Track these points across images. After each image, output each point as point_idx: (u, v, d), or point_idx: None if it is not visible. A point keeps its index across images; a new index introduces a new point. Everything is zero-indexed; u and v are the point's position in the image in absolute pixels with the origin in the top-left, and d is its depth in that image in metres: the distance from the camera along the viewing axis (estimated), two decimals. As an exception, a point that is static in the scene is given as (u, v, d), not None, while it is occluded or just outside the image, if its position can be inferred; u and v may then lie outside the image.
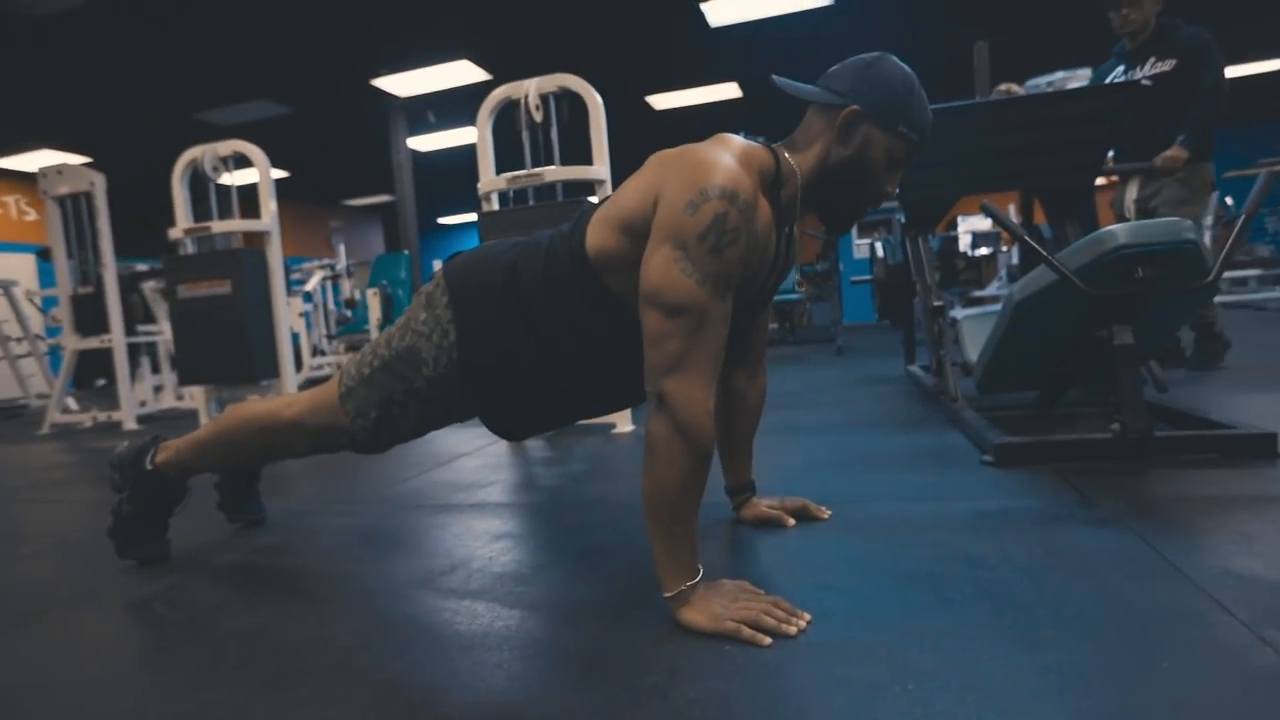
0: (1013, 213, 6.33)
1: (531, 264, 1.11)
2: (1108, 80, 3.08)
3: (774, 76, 1.13)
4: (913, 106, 1.05)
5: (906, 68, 1.07)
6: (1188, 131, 2.81)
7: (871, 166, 1.06)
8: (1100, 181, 2.64)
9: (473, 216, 14.81)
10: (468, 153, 9.28)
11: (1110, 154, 3.16)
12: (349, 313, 7.13)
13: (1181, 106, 2.84)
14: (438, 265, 8.14)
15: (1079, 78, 3.02)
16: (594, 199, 2.63)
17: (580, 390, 1.17)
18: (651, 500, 0.98)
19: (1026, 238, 1.76)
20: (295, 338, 4.35)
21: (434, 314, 1.16)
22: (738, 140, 1.06)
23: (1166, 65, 2.91)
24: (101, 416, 4.31)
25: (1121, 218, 3.08)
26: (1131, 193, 2.99)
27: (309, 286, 6.67)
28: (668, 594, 0.97)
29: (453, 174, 10.29)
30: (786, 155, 1.08)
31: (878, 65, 1.06)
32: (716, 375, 0.98)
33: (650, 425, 0.97)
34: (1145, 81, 2.95)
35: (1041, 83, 3.03)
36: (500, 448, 2.46)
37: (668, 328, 0.95)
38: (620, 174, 3.30)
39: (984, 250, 7.84)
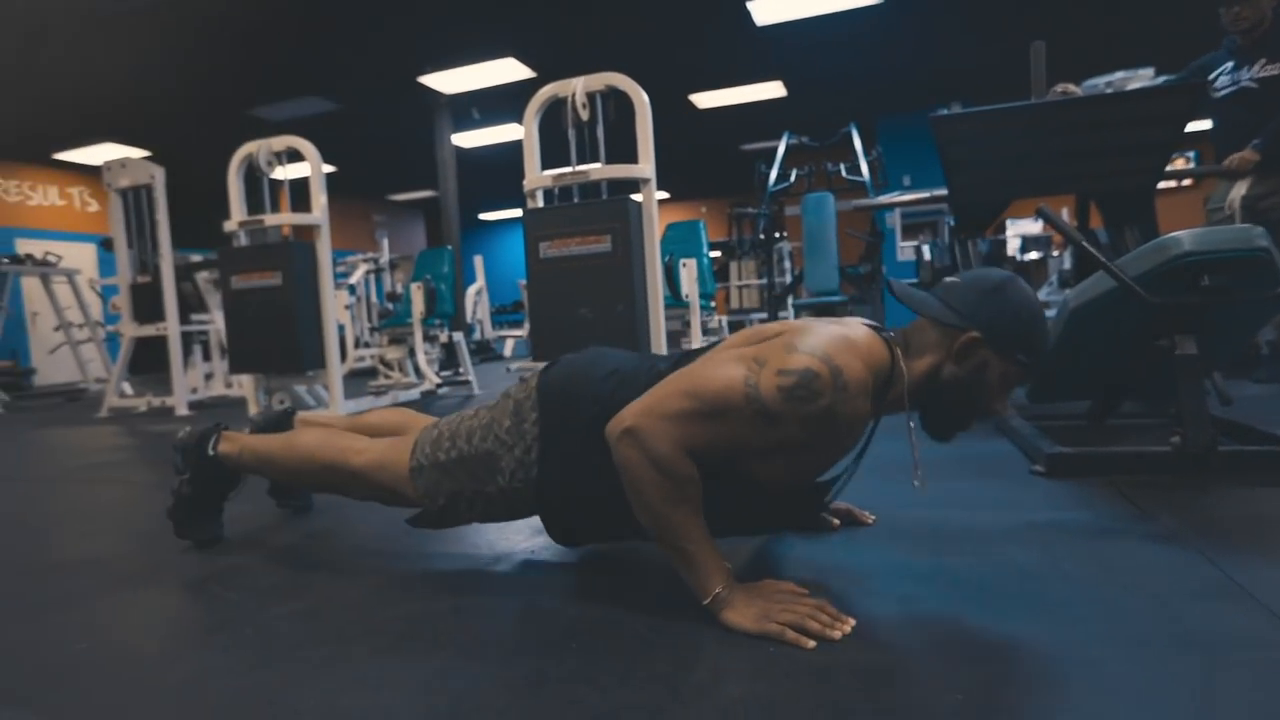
0: (1066, 217, 6.16)
1: (626, 401, 1.10)
2: (1215, 74, 2.99)
3: (890, 281, 1.12)
4: (1034, 335, 1.03)
5: (1031, 293, 1.04)
6: (1264, 134, 2.72)
7: (984, 389, 1.05)
8: (1163, 185, 2.56)
9: (515, 213, 14.97)
10: (511, 149, 9.39)
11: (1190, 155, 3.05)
12: (391, 306, 7.26)
13: None
14: (479, 261, 8.23)
15: (1140, 78, 2.92)
16: (637, 197, 2.63)
17: None
18: (650, 525, 0.99)
19: (1084, 243, 1.71)
20: (340, 330, 4.46)
21: (520, 427, 1.17)
22: (865, 330, 1.05)
23: (1275, 69, 2.81)
24: (156, 402, 4.48)
25: (1217, 212, 2.98)
26: (1240, 189, 2.88)
27: (353, 280, 6.81)
28: (704, 602, 0.98)
29: (496, 170, 10.42)
30: (899, 354, 1.06)
31: (1003, 291, 1.03)
32: (687, 449, 0.96)
33: (620, 456, 0.97)
34: (1250, 84, 2.87)
35: (1100, 83, 2.94)
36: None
37: (681, 398, 0.96)
38: (664, 172, 3.29)
39: (1033, 254, 7.65)
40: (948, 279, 1.09)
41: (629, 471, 0.97)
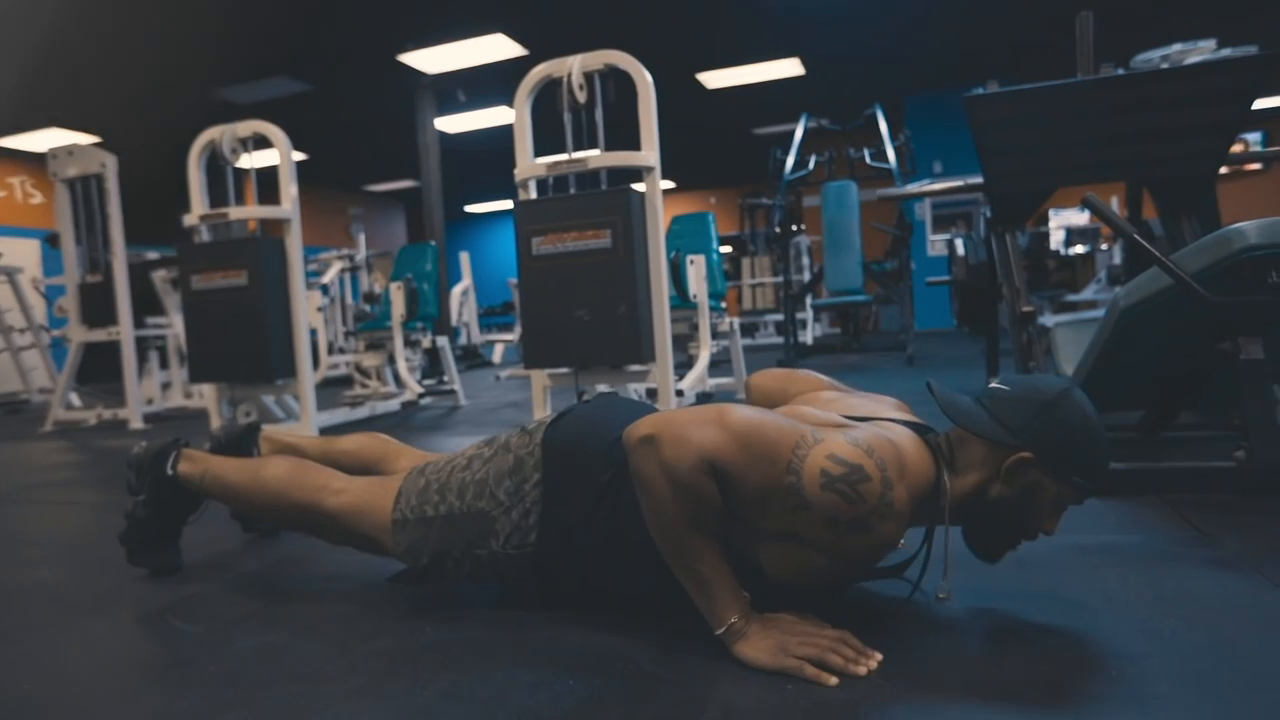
0: (1116, 206, 6.17)
1: None
2: None
3: (931, 384, 1.11)
4: (1092, 455, 1.02)
5: (1089, 406, 1.03)
6: None
7: (1034, 510, 1.04)
8: (1227, 170, 2.55)
9: (505, 205, 15.02)
10: (500, 135, 9.44)
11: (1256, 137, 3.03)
12: (369, 308, 7.29)
13: None
14: (465, 259, 8.24)
15: (1200, 51, 2.93)
16: (640, 188, 2.64)
17: (660, 593, 1.14)
18: (664, 545, 0.99)
19: (1136, 236, 1.72)
20: (312, 334, 4.48)
21: (520, 487, 1.17)
22: (913, 441, 1.05)
23: None
24: (106, 414, 4.50)
25: None
26: None
27: (326, 279, 6.83)
28: (718, 631, 0.98)
29: (483, 158, 10.46)
30: (944, 467, 1.06)
31: (1060, 406, 1.02)
32: (711, 468, 0.95)
33: (635, 466, 0.98)
34: None
35: (1155, 57, 2.95)
36: (532, 459, 2.49)
37: (717, 425, 0.96)
38: (670, 160, 3.31)
39: (1079, 248, 7.65)
40: (994, 385, 1.07)
41: (643, 483, 0.98)
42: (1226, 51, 3.01)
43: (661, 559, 1.03)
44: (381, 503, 1.26)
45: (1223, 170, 2.49)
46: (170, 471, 1.46)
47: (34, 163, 9.23)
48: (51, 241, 4.76)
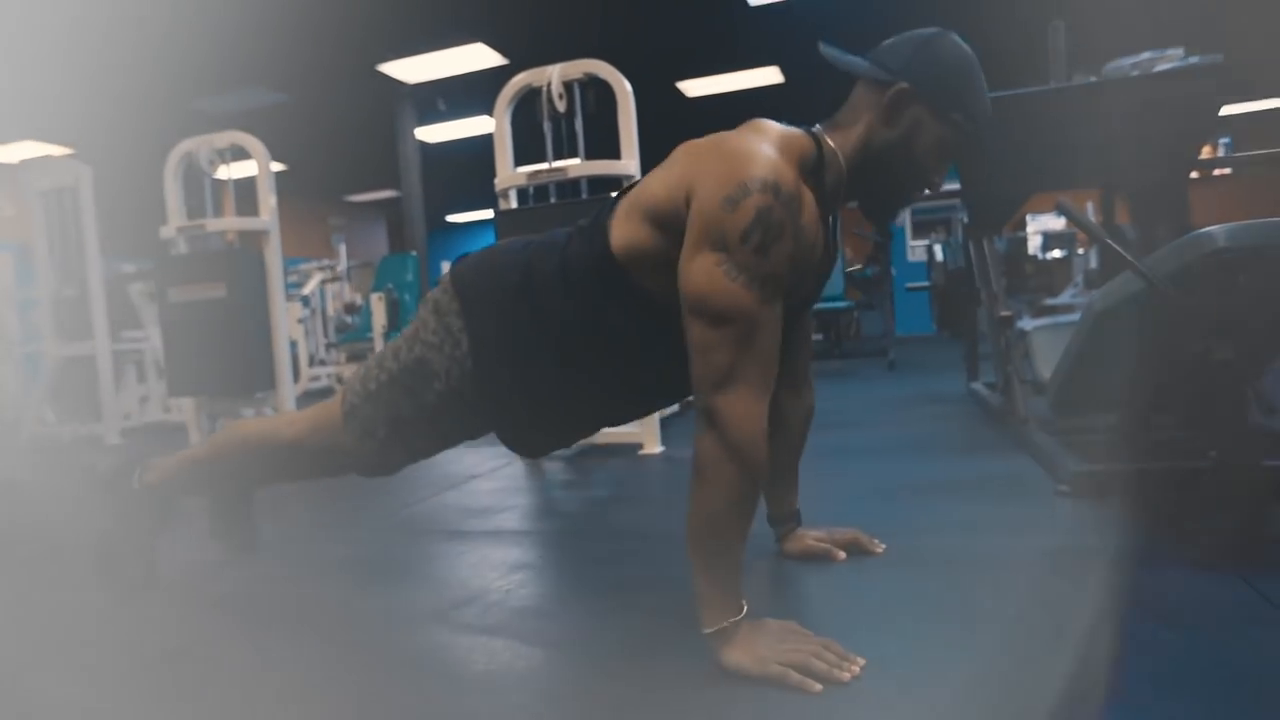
0: (1091, 211, 6.26)
1: (549, 264, 1.14)
2: None
3: (821, 45, 1.15)
4: (970, 91, 1.06)
5: (967, 49, 1.08)
6: None
7: (918, 153, 1.08)
8: (1201, 176, 2.61)
9: (486, 214, 14.98)
10: (481, 145, 9.42)
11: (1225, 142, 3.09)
12: (350, 319, 7.24)
13: None
14: (446, 267, 8.21)
15: (1169, 58, 2.98)
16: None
17: (607, 398, 1.20)
18: (698, 527, 0.99)
19: (1108, 240, 1.74)
20: (293, 346, 4.45)
21: (443, 322, 1.18)
22: (774, 126, 1.06)
23: None
24: (82, 430, 4.42)
25: None
26: None
27: (307, 290, 6.80)
28: (708, 630, 0.97)
29: (465, 168, 10.44)
30: (827, 138, 1.10)
31: (935, 43, 1.07)
32: (770, 388, 0.99)
33: (699, 445, 0.98)
34: None
35: (1126, 65, 3.00)
36: (517, 470, 2.48)
37: (714, 337, 0.96)
38: (650, 168, 3.33)
39: (1057, 253, 7.76)
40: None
41: (705, 469, 0.96)
42: (1194, 59, 3.07)
43: (599, 340, 1.09)
44: (331, 411, 1.27)
45: (1193, 175, 2.54)
46: (136, 485, 1.45)
47: (6, 175, 9.10)
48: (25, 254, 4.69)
